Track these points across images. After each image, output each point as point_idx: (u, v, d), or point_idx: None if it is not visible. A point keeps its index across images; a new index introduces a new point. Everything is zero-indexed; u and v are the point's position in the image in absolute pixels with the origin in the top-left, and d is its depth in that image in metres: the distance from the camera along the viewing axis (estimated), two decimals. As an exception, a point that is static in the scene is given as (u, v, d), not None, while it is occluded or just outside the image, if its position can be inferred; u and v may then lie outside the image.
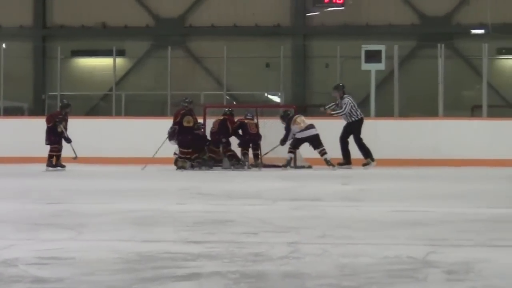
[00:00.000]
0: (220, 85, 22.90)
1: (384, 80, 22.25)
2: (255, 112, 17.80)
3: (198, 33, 25.21)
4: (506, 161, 17.59)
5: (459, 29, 24.09)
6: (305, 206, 8.24)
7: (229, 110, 17.36)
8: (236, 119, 16.93)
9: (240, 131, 16.79)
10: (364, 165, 16.58)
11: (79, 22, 25.45)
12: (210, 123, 16.99)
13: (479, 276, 4.24)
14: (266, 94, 24.53)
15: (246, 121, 16.81)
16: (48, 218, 7.19)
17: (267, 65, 23.64)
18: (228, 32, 24.66)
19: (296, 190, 11.02)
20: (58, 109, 17.11)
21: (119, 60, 23.60)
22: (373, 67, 19.83)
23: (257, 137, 16.74)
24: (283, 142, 16.77)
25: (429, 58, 22.11)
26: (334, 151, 16.62)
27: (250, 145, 16.75)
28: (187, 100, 16.77)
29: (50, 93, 23.35)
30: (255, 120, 17.06)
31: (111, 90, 22.26)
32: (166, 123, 18.40)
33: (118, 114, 21.45)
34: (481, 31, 23.30)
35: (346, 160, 16.65)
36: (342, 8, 23.59)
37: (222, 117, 16.81)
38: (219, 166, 16.44)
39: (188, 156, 16.20)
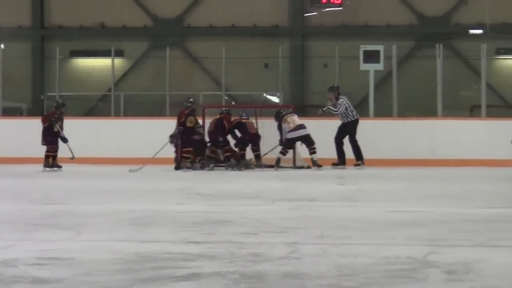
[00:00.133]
0: (219, 85, 22.89)
1: (383, 80, 22.26)
2: (254, 112, 17.81)
3: (196, 34, 25.21)
4: (504, 161, 17.58)
5: (458, 29, 24.10)
6: (304, 207, 8.25)
7: (225, 109, 17.35)
8: (232, 119, 16.92)
9: (237, 131, 16.79)
10: (356, 165, 16.60)
11: (77, 23, 25.44)
12: (208, 123, 16.98)
13: (479, 276, 4.25)
14: (264, 95, 24.53)
15: (243, 121, 16.80)
16: (47, 218, 7.19)
17: (266, 66, 23.63)
18: (226, 33, 24.65)
19: (295, 191, 11.02)
20: (54, 109, 17.09)
21: (118, 61, 23.58)
22: (371, 67, 19.82)
23: (257, 137, 16.74)
24: (281, 142, 16.78)
25: (427, 58, 22.13)
26: (332, 150, 16.63)
27: (250, 145, 16.74)
28: (190, 100, 16.78)
29: (48, 94, 23.31)
30: (252, 121, 17.06)
31: (109, 90, 22.25)
32: (164, 124, 18.41)
33: (117, 114, 21.44)
34: (480, 31, 23.30)
35: (341, 160, 16.67)
36: (340, 8, 23.56)
37: (218, 117, 16.81)
38: (221, 166, 16.45)
39: (190, 155, 16.19)
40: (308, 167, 16.64)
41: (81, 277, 4.25)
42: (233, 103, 23.67)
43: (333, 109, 16.92)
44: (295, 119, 16.74)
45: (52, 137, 16.21)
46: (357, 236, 5.85)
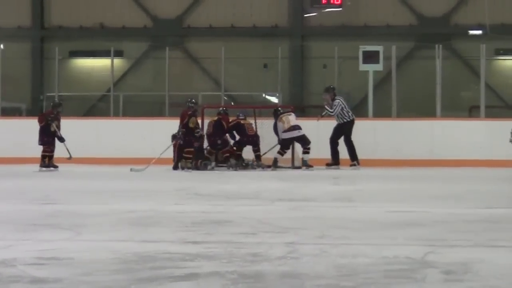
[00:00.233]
0: (218, 85, 22.89)
1: (382, 81, 22.26)
2: (253, 112, 17.82)
3: (196, 34, 25.20)
4: (504, 161, 17.59)
5: (457, 30, 24.10)
6: (303, 207, 8.25)
7: (222, 109, 17.34)
8: (230, 119, 16.92)
9: (235, 132, 16.80)
10: (352, 165, 16.60)
11: (77, 23, 25.44)
12: (206, 123, 16.98)
13: (477, 276, 4.25)
14: (264, 95, 24.52)
15: (242, 121, 16.81)
16: (46, 218, 7.19)
17: (265, 66, 23.64)
18: (226, 33, 24.65)
19: (294, 191, 11.02)
20: (50, 109, 17.08)
21: (117, 61, 23.57)
22: (371, 67, 19.82)
23: (256, 138, 16.74)
24: (280, 141, 16.78)
25: (427, 58, 22.13)
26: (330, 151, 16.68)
27: (251, 146, 16.77)
28: (193, 101, 16.76)
29: (48, 94, 23.30)
30: (251, 121, 17.05)
31: (109, 90, 22.24)
32: (164, 124, 18.43)
33: (116, 114, 21.44)
34: (479, 32, 23.31)
35: (335, 160, 16.69)
36: (340, 9, 23.56)
37: (216, 118, 16.80)
38: (221, 166, 16.46)
39: (191, 155, 16.17)
40: (312, 168, 16.56)
41: (80, 277, 4.25)
42: (232, 103, 23.67)
43: (329, 110, 16.93)
44: (290, 119, 16.69)
45: (48, 137, 16.19)
46: (356, 236, 5.85)
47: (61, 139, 16.21)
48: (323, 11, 23.89)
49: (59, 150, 16.23)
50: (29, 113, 23.80)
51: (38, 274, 4.31)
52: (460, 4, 24.28)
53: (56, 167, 16.06)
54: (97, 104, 24.91)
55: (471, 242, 5.60)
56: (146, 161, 16.20)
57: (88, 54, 25.53)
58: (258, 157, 16.68)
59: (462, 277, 4.23)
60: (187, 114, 16.40)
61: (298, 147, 16.99)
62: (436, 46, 19.93)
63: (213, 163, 16.28)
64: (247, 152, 16.81)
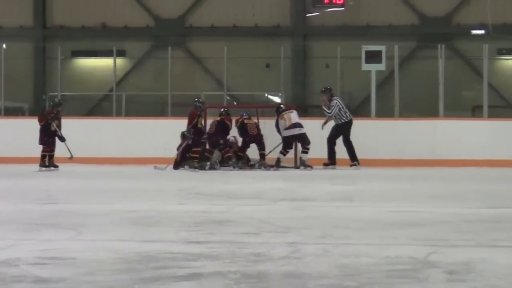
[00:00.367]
0: (220, 85, 22.88)
1: (385, 81, 22.24)
2: (256, 112, 17.82)
3: (198, 34, 25.20)
4: (507, 161, 17.57)
5: (459, 29, 24.08)
6: (306, 207, 8.25)
7: (224, 110, 17.33)
8: (235, 119, 16.92)
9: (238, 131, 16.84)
10: (352, 165, 16.59)
11: (79, 23, 25.45)
12: (209, 123, 16.98)
13: (480, 276, 4.25)
14: (266, 95, 24.52)
15: (245, 121, 16.82)
16: (49, 218, 7.20)
17: (267, 66, 23.64)
18: (228, 33, 24.64)
19: (296, 191, 11.01)
20: (50, 108, 17.07)
21: (119, 61, 23.58)
22: (373, 67, 19.81)
23: (259, 137, 16.75)
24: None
25: (429, 58, 22.09)
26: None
27: (250, 146, 16.78)
28: (200, 100, 16.72)
29: (50, 94, 23.30)
30: (254, 120, 17.07)
31: (111, 90, 22.24)
32: (166, 124, 18.43)
33: (119, 114, 21.43)
34: (481, 32, 23.29)
35: (331, 160, 16.70)
36: (342, 8, 23.56)
37: (219, 118, 16.80)
38: (224, 166, 16.46)
39: (197, 155, 16.15)
40: (310, 168, 16.60)
41: (83, 276, 4.25)
42: (234, 103, 23.66)
43: (327, 110, 16.94)
44: (292, 117, 16.68)
45: (49, 136, 16.14)
46: (359, 236, 5.85)
47: (62, 139, 16.18)
48: (325, 10, 23.89)
49: (60, 150, 16.22)
50: (32, 113, 23.79)
51: (41, 273, 4.32)
52: (462, 3, 24.26)
53: (56, 166, 16.04)
54: (99, 104, 24.92)
55: (473, 242, 5.59)
56: (148, 161, 16.20)
57: (90, 53, 25.54)
58: (262, 155, 16.69)
59: (465, 277, 4.23)
60: (196, 114, 16.35)
61: (300, 147, 16.98)
62: (439, 46, 19.90)
63: (208, 164, 16.24)
64: (252, 152, 16.81)
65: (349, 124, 16.84)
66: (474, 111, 22.32)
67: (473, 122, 19.51)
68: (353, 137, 16.83)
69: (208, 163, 16.24)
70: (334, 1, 23.21)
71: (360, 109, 22.74)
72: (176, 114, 19.87)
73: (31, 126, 16.76)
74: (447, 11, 24.32)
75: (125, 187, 11.47)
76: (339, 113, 16.81)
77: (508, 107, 23.34)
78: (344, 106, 17.01)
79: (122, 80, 24.47)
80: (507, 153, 17.58)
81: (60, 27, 25.70)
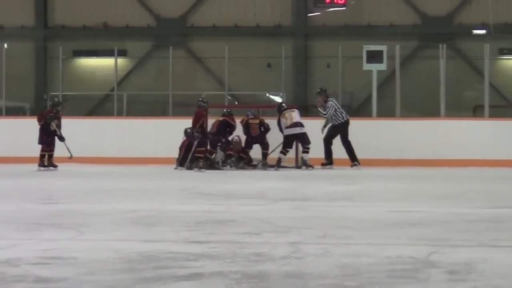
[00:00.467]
0: (222, 85, 22.88)
1: (386, 81, 22.23)
2: (257, 112, 17.83)
3: (200, 33, 25.20)
4: (508, 161, 17.57)
5: (461, 29, 24.07)
6: (306, 206, 8.25)
7: (227, 110, 17.33)
8: (240, 119, 16.93)
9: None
10: (353, 166, 16.59)
11: (80, 22, 25.45)
12: (210, 124, 16.98)
13: (481, 276, 4.25)
14: (267, 94, 24.51)
15: (250, 121, 16.84)
16: (50, 218, 7.20)
17: (269, 65, 23.64)
18: (230, 32, 24.64)
19: (296, 190, 11.01)
20: (50, 108, 17.06)
21: (121, 60, 23.58)
22: (374, 67, 19.81)
23: (260, 138, 16.76)
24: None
25: (430, 58, 22.09)
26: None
27: (253, 147, 16.81)
28: (204, 100, 16.71)
29: (51, 93, 23.28)
30: (257, 121, 17.08)
31: (112, 90, 22.25)
32: (167, 123, 18.42)
33: (120, 114, 21.44)
34: (483, 32, 23.28)
35: (329, 160, 16.72)
36: (344, 8, 23.56)
37: (221, 118, 16.80)
38: (225, 166, 16.47)
39: (202, 155, 16.15)
40: (311, 167, 16.60)
41: (84, 276, 4.25)
42: (236, 103, 23.66)
43: (323, 112, 16.94)
44: (293, 115, 16.68)
45: (48, 136, 16.12)
46: (360, 236, 5.85)
47: (61, 138, 16.15)
48: (326, 10, 23.88)
49: (60, 150, 16.21)
50: (33, 113, 23.78)
51: (42, 273, 4.32)
52: (463, 3, 24.25)
53: (55, 166, 16.01)
54: (101, 104, 24.92)
55: (474, 242, 5.59)
56: (149, 161, 16.20)
57: (91, 53, 25.54)
58: (265, 155, 16.71)
59: (465, 277, 4.23)
60: (202, 113, 16.27)
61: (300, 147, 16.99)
62: (440, 45, 19.90)
63: (208, 163, 16.22)
64: (255, 152, 16.82)
65: (345, 124, 16.84)
66: (476, 111, 22.32)
67: (475, 122, 19.51)
68: (353, 137, 16.83)
69: (208, 162, 16.24)
70: (335, 0, 23.21)
71: (361, 109, 22.75)
72: (177, 114, 19.87)
73: (32, 126, 16.76)
74: (448, 11, 24.31)
75: (126, 187, 11.47)
76: (335, 114, 16.82)
77: (509, 107, 23.33)
78: (340, 107, 17.02)
79: (123, 80, 24.47)
80: (508, 153, 17.58)
81: (61, 27, 25.70)
